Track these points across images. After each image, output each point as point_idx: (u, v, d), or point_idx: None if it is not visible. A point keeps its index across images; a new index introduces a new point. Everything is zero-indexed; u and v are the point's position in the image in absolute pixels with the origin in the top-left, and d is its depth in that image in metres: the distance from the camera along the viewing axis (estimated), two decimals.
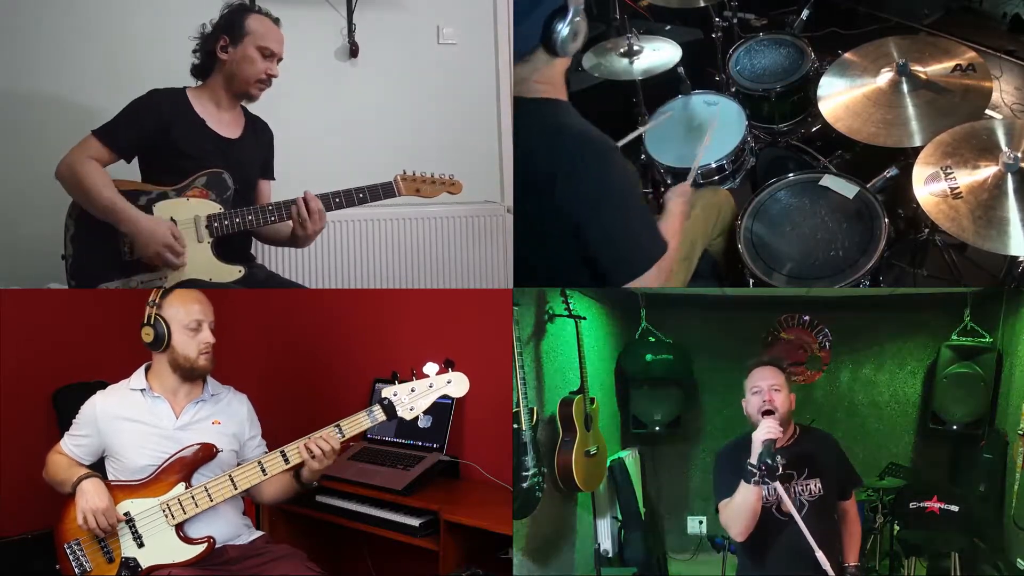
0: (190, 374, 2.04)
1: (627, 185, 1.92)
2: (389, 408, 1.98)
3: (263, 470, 1.97)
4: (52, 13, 2.85)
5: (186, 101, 2.38)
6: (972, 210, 2.12)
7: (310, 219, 2.33)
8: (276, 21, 2.42)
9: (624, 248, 1.91)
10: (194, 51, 2.41)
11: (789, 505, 1.92)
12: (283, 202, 2.35)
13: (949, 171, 2.19)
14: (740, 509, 1.94)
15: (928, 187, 2.19)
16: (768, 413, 2.00)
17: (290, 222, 2.37)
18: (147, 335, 2.02)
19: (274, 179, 2.60)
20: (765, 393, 2.03)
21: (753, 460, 1.91)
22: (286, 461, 1.97)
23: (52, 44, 2.85)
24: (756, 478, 1.90)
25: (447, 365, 2.01)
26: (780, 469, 1.93)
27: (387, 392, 2.00)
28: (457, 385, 2.01)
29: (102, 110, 2.35)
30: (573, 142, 1.87)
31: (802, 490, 2.03)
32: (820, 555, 1.86)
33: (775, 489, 1.96)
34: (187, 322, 2.02)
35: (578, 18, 1.81)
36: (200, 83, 2.43)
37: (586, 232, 1.88)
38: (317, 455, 1.95)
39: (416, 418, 2.01)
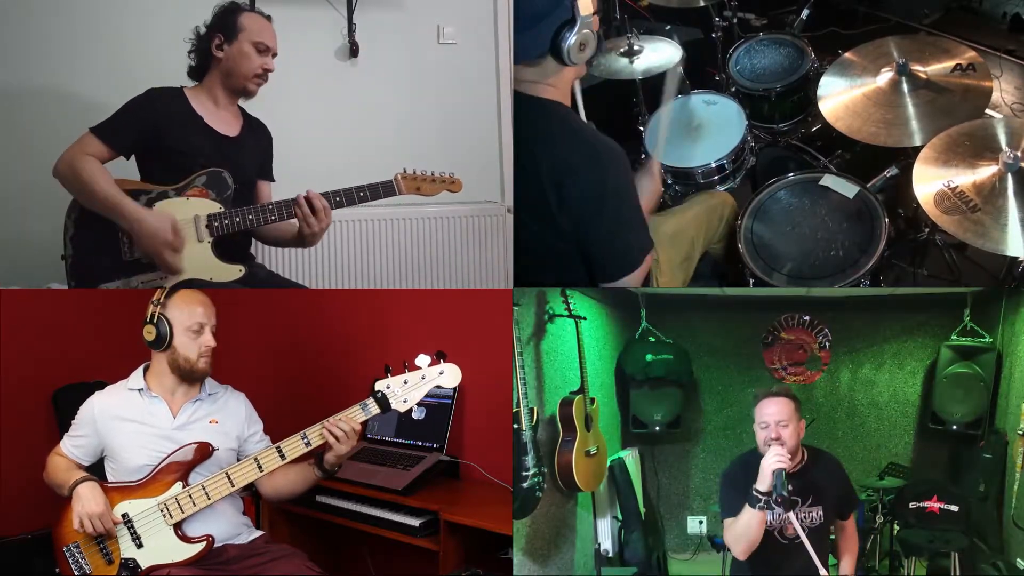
0: (189, 376, 2.04)
1: (630, 186, 1.99)
2: (383, 401, 1.98)
3: (259, 466, 1.97)
4: (53, 11, 2.85)
5: (184, 99, 2.38)
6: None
7: (315, 216, 2.33)
8: (268, 18, 2.43)
9: (624, 247, 1.97)
10: (189, 52, 2.42)
11: (801, 533, 1.94)
12: (284, 201, 2.35)
13: (953, 186, 2.17)
14: (745, 533, 1.96)
15: (943, 207, 2.16)
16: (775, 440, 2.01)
17: (293, 222, 2.37)
18: (149, 333, 2.02)
19: (274, 180, 2.60)
20: (772, 431, 2.01)
21: (761, 487, 1.92)
22: (282, 457, 1.97)
23: (53, 43, 2.85)
24: (762, 504, 1.91)
25: (439, 356, 2.01)
26: (798, 504, 1.98)
27: (380, 385, 2.00)
28: (449, 376, 2.01)
29: (104, 108, 2.35)
30: (585, 144, 1.92)
31: (804, 516, 2.04)
32: (823, 573, 1.89)
33: (780, 515, 1.98)
34: (190, 324, 2.02)
35: (586, 30, 1.85)
36: (197, 84, 2.44)
37: (587, 228, 1.94)
38: (340, 437, 1.95)
39: (411, 411, 2.01)
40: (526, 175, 1.97)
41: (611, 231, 1.95)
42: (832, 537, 2.19)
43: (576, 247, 1.99)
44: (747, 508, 1.94)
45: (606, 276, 2.00)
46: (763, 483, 1.92)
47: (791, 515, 1.95)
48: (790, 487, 1.93)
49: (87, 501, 1.90)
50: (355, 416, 1.99)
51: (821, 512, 2.07)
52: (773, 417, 2.01)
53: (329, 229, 2.99)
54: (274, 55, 2.41)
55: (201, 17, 2.42)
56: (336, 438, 1.95)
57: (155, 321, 2.01)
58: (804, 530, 1.99)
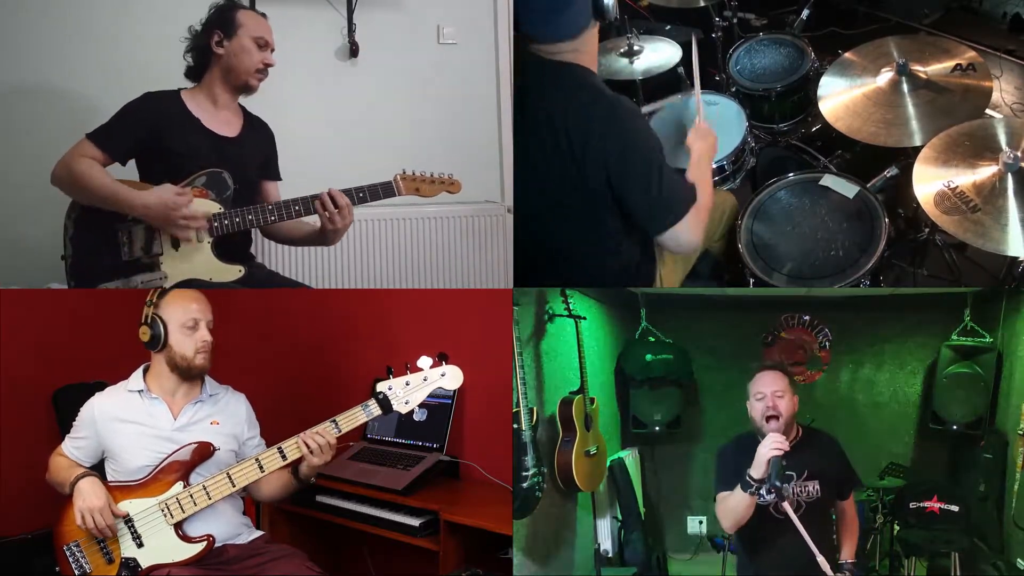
0: (188, 373, 2.04)
1: (655, 141, 2.09)
2: (384, 402, 1.98)
3: (260, 467, 1.97)
4: (53, 11, 2.85)
5: (180, 102, 2.38)
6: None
7: (339, 214, 2.34)
8: (263, 16, 2.44)
9: (661, 195, 2.05)
10: (186, 52, 2.41)
11: (793, 517, 1.93)
12: (284, 201, 2.35)
13: (953, 186, 2.16)
14: (734, 510, 1.99)
15: (943, 207, 2.16)
16: (772, 418, 2.02)
17: (306, 220, 2.38)
18: (144, 335, 2.02)
19: (280, 179, 2.60)
20: (769, 400, 2.04)
21: (755, 474, 1.93)
22: (283, 457, 1.97)
23: (52, 43, 2.85)
24: (753, 489, 1.92)
25: (440, 358, 2.02)
26: (792, 480, 1.99)
27: (382, 386, 2.00)
28: (451, 377, 2.02)
29: (103, 109, 2.35)
30: (605, 100, 2.02)
31: (800, 491, 2.06)
32: (821, 559, 1.89)
33: (773, 500, 1.97)
34: (184, 320, 2.02)
35: None
36: (195, 85, 2.43)
37: (621, 182, 2.03)
38: (315, 449, 1.95)
39: (412, 412, 2.02)
40: (554, 142, 2.03)
41: (645, 180, 2.03)
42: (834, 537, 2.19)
43: (600, 212, 2.09)
44: (739, 490, 1.96)
45: (655, 227, 2.10)
46: (757, 470, 1.93)
47: (785, 504, 1.95)
48: (788, 475, 1.95)
49: (88, 495, 1.90)
50: (356, 417, 1.99)
51: (818, 487, 2.07)
52: (769, 387, 2.06)
53: None
54: (272, 51, 2.42)
55: (194, 17, 2.42)
56: (311, 451, 1.96)
57: (149, 322, 2.02)
58: (801, 505, 2.00)
